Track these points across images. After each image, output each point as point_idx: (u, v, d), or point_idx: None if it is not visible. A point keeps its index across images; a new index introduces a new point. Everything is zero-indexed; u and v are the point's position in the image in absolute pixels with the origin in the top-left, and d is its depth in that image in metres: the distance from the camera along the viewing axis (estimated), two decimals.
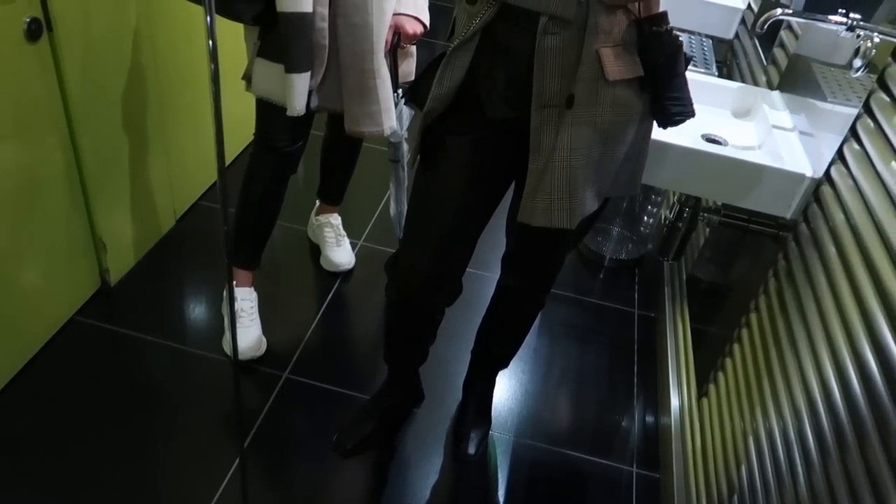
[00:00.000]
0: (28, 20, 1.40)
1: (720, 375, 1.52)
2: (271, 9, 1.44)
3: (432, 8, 1.67)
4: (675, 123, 1.19)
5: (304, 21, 1.44)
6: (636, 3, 1.10)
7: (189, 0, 1.52)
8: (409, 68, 1.74)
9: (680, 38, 1.14)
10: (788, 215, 1.37)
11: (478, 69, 1.18)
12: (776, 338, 1.27)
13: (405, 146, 1.85)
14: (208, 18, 0.79)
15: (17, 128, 1.47)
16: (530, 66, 1.11)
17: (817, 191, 1.27)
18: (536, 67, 1.11)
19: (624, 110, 1.14)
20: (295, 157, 1.73)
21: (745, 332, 1.43)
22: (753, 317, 1.41)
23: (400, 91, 1.68)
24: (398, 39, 1.61)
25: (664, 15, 1.13)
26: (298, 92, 1.50)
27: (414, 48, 1.72)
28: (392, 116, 1.65)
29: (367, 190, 2.55)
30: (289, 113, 1.52)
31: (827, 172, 1.26)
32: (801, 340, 1.17)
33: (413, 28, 1.60)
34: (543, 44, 1.09)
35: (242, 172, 1.75)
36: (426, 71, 1.25)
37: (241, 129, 1.97)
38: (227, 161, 2.43)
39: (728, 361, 1.49)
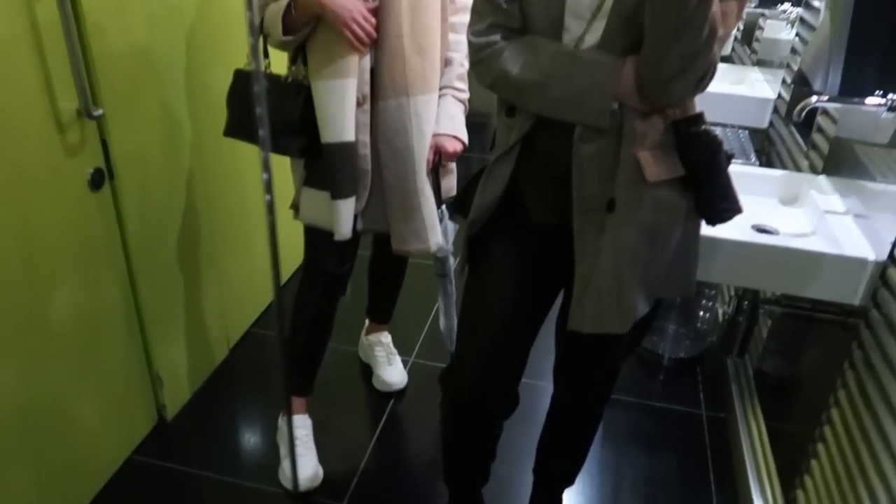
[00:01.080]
0: (92, 171, 1.49)
1: (807, 479, 1.41)
2: (315, 140, 1.51)
3: (466, 124, 1.72)
4: (724, 220, 1.17)
5: (346, 149, 1.50)
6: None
7: (241, 139, 1.61)
8: (450, 184, 1.78)
9: (719, 137, 1.14)
10: (856, 301, 1.31)
11: (519, 177, 1.20)
12: (864, 434, 1.18)
13: (451, 260, 1.86)
14: (263, 154, 0.82)
15: (78, 271, 1.54)
16: (570, 172, 1.12)
17: (884, 274, 1.22)
18: (575, 173, 1.12)
19: (667, 210, 1.13)
20: (343, 280, 1.75)
21: (827, 429, 1.34)
22: (835, 412, 1.31)
23: (444, 207, 1.72)
24: (439, 158, 1.66)
25: (701, 115, 1.14)
26: (345, 217, 1.54)
27: (454, 164, 1.77)
28: (437, 232, 1.67)
29: (416, 305, 2.55)
30: (336, 238, 1.55)
31: (891, 255, 1.21)
32: (893, 434, 1.08)
33: (453, 147, 1.65)
34: (581, 151, 1.10)
35: (292, 298, 1.78)
36: (470, 182, 1.28)
37: (290, 255, 2.02)
38: None
39: (814, 463, 1.38)
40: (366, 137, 1.54)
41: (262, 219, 2.19)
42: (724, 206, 1.16)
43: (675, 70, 1.01)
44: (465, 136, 1.68)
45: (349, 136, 1.50)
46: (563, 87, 1.08)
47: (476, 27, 1.16)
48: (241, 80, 1.61)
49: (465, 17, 1.35)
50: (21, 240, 1.36)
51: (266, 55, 1.63)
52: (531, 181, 1.19)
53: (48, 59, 1.34)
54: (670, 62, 1.01)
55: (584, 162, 1.11)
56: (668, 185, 1.12)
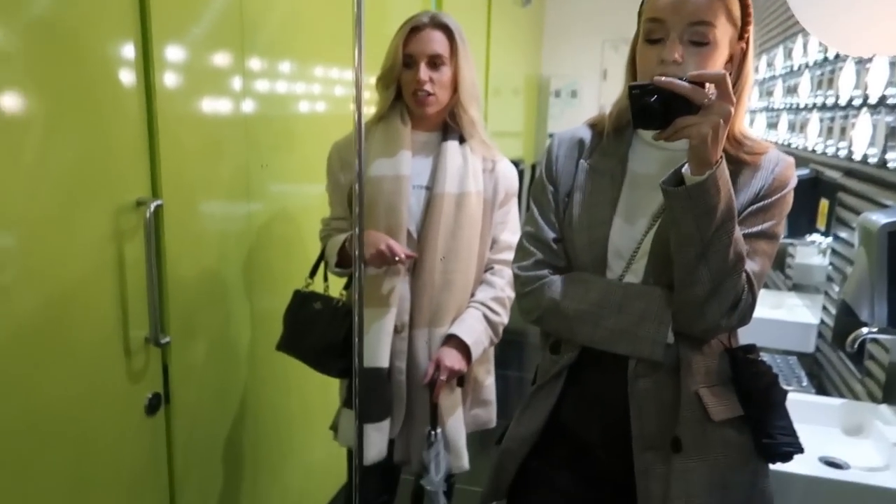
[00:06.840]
0: (150, 396, 1.51)
1: None
2: None
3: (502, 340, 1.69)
4: (785, 459, 1.12)
5: (379, 375, 1.55)
6: (727, 334, 1.13)
7: (291, 355, 1.69)
8: (488, 415, 1.75)
9: (773, 371, 1.14)
10: None
11: (569, 419, 1.17)
12: None
13: (442, 500, 1.62)
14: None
15: (121, 494, 1.49)
16: (626, 411, 1.10)
17: None
18: (633, 412, 1.10)
19: (735, 450, 1.10)
20: None
21: None
22: None
23: (438, 431, 1.58)
24: (437, 373, 1.56)
25: (754, 346, 1.15)
26: (373, 442, 1.54)
27: (491, 395, 1.75)
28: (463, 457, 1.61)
29: None
30: (364, 462, 1.53)
31: None
32: None
33: (451, 361, 1.57)
34: (636, 387, 1.10)
35: None
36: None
37: (327, 478, 1.95)
38: None
39: None
40: (402, 364, 1.58)
41: (304, 434, 2.15)
42: (788, 440, 1.11)
43: (706, 291, 1.03)
44: (475, 352, 1.60)
45: (382, 361, 1.55)
46: (617, 318, 1.09)
47: (523, 263, 1.20)
48: (299, 301, 1.70)
49: (509, 256, 1.43)
50: (74, 464, 1.35)
51: (325, 279, 1.73)
52: (583, 423, 1.17)
53: (128, 293, 1.43)
54: (700, 282, 1.03)
55: (642, 398, 1.09)
56: (731, 424, 1.10)
